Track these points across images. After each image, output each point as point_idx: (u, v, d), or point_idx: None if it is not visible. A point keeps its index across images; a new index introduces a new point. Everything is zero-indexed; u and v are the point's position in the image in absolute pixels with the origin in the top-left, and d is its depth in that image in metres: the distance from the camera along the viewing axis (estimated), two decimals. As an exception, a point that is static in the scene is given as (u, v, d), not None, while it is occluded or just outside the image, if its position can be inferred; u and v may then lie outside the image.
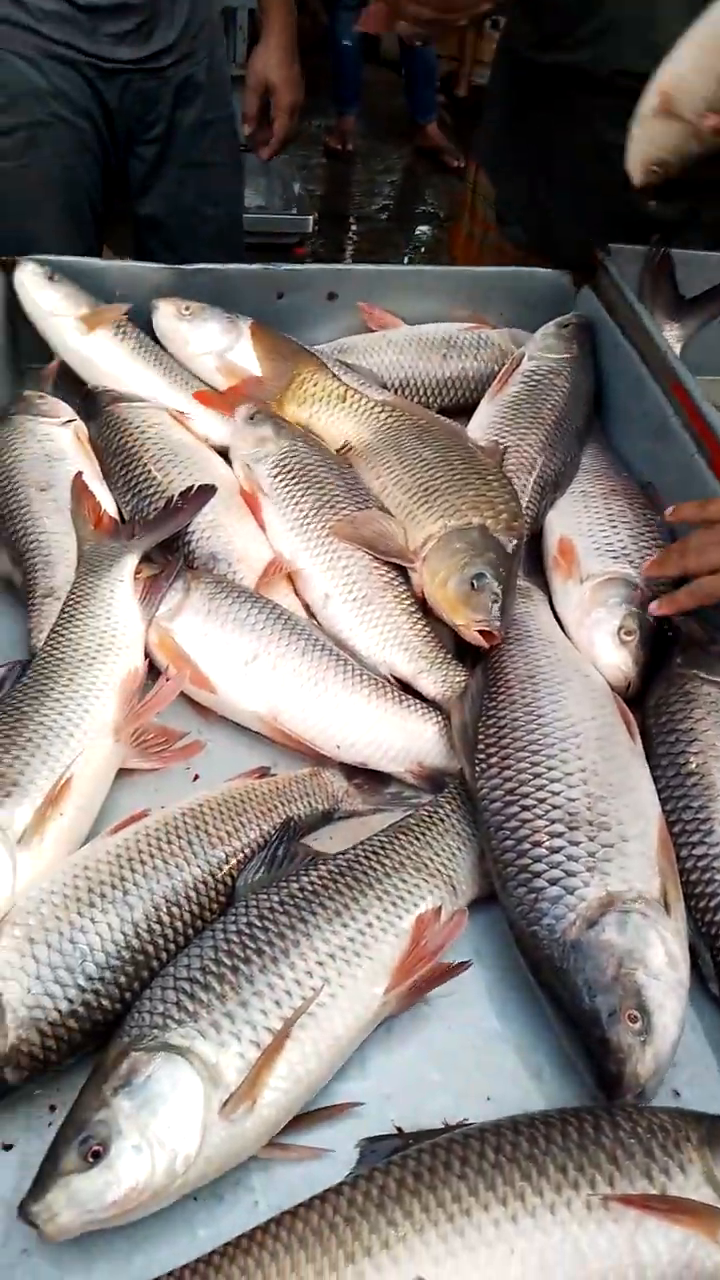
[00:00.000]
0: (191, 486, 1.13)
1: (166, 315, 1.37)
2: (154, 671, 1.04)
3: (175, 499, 1.12)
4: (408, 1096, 0.80)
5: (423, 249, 3.61)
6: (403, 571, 1.12)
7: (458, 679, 1.04)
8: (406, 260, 3.21)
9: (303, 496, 1.17)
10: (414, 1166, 0.69)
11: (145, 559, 1.10)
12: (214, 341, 1.35)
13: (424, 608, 1.10)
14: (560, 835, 0.86)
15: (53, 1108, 0.76)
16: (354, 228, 3.77)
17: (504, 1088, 0.81)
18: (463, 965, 0.84)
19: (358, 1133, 0.76)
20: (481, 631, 1.02)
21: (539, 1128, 0.71)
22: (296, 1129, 0.75)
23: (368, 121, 4.13)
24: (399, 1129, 0.78)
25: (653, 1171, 0.68)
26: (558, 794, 0.89)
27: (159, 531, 1.11)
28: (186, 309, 1.37)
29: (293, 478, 1.19)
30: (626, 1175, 0.68)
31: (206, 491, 1.13)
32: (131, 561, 1.08)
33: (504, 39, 1.69)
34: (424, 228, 3.80)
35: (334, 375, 1.31)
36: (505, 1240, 0.65)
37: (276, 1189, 0.74)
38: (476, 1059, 0.83)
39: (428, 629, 1.08)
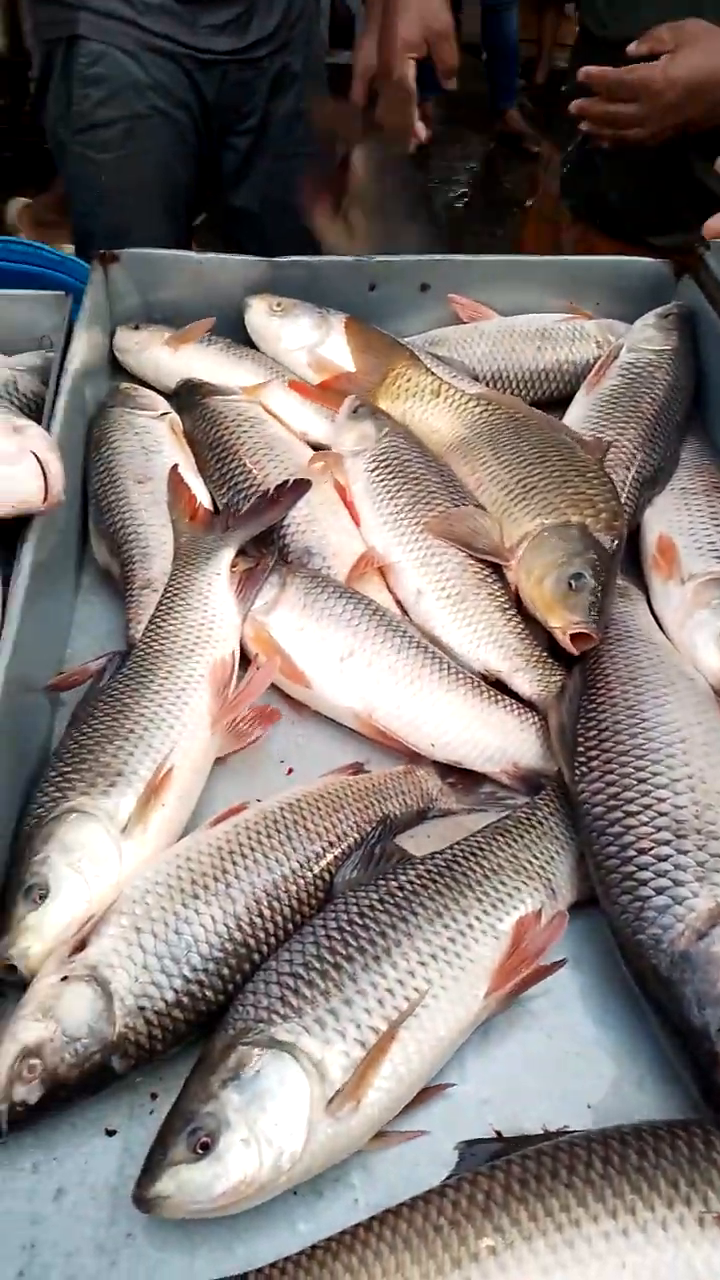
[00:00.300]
0: (287, 481, 1.13)
1: (258, 312, 1.38)
2: (246, 663, 1.05)
3: (271, 492, 1.12)
4: (506, 1100, 0.79)
5: (504, 237, 3.56)
6: (497, 570, 1.11)
7: (554, 679, 1.03)
8: (486, 250, 3.16)
9: (398, 491, 1.16)
10: (519, 1173, 0.68)
11: (241, 552, 1.10)
12: (305, 337, 1.35)
13: (519, 606, 1.08)
14: (667, 843, 0.84)
15: (154, 1095, 0.77)
16: (432, 217, 3.74)
17: (604, 1096, 0.80)
18: (558, 964, 0.83)
19: (454, 1129, 0.76)
20: (574, 636, 1.00)
21: (647, 1140, 0.70)
22: (393, 1117, 0.75)
23: (446, 108, 4.07)
24: (498, 1133, 0.77)
25: None
26: (664, 800, 0.86)
27: (254, 525, 1.11)
28: (278, 305, 1.37)
29: (389, 473, 1.18)
30: None
31: (302, 486, 1.13)
32: (228, 555, 1.08)
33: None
34: (505, 216, 3.74)
35: (428, 370, 1.29)
36: (616, 1254, 0.64)
37: (376, 1187, 0.74)
38: (575, 1066, 0.82)
39: (523, 627, 1.06)
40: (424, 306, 1.46)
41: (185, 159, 1.72)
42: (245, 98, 1.69)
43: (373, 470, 1.19)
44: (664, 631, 1.10)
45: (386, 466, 1.19)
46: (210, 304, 1.41)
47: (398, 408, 1.29)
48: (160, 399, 1.32)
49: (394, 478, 1.17)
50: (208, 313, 1.41)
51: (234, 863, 0.84)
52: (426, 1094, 0.77)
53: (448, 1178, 0.71)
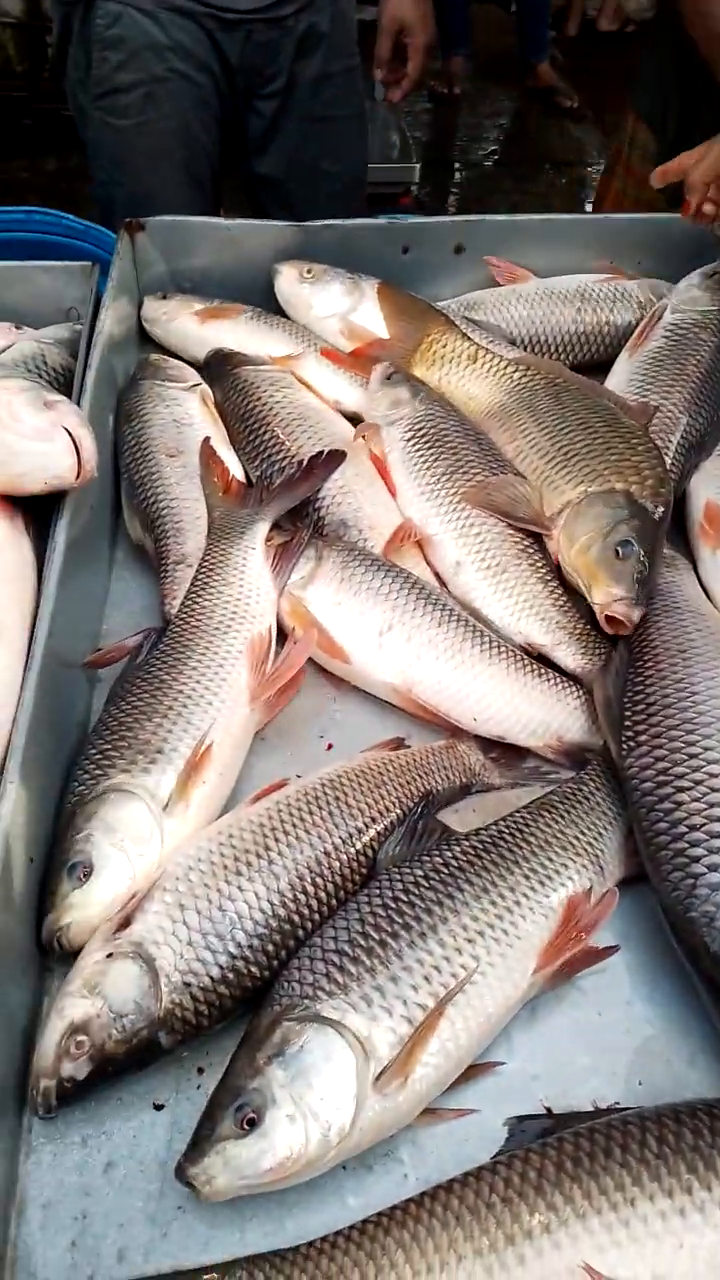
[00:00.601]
0: (321, 452, 1.11)
1: (288, 279, 1.35)
2: (283, 638, 1.04)
3: (304, 464, 1.10)
4: (555, 1076, 0.79)
5: (537, 195, 3.47)
6: (538, 540, 1.08)
7: (598, 652, 1.00)
8: (517, 209, 3.09)
9: (435, 461, 1.13)
10: (571, 1150, 0.67)
11: (275, 526, 1.09)
12: (337, 303, 1.33)
13: (561, 577, 1.06)
14: (719, 819, 0.82)
15: (200, 1070, 0.78)
16: (460, 174, 3.64)
17: (656, 1073, 0.79)
18: (611, 949, 0.82)
19: (501, 1103, 0.75)
20: (612, 618, 0.97)
21: (702, 1119, 0.68)
22: (441, 1094, 0.75)
23: (476, 62, 3.96)
24: (548, 1109, 0.76)
25: None
26: (715, 775, 0.84)
27: (289, 497, 1.09)
28: (308, 271, 1.34)
29: (426, 442, 1.15)
30: None
31: (336, 457, 1.11)
32: (263, 529, 1.07)
33: None
34: (538, 174, 3.64)
35: (464, 335, 1.26)
36: (674, 1234, 0.63)
37: (425, 1162, 0.74)
38: (625, 1043, 0.81)
39: (565, 599, 1.04)
40: (459, 269, 1.43)
41: (208, 124, 1.68)
42: (270, 59, 1.64)
43: (408, 440, 1.16)
44: (713, 602, 1.07)
45: (422, 435, 1.16)
46: (239, 271, 1.39)
47: (433, 374, 1.26)
48: (190, 370, 1.30)
49: (430, 447, 1.15)
50: (237, 280, 1.39)
51: (276, 839, 0.83)
52: (475, 1071, 0.77)
53: (498, 1154, 0.70)
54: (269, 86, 1.69)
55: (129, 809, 0.84)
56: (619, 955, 0.84)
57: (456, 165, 3.72)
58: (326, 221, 1.40)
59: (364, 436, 1.18)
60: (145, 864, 0.82)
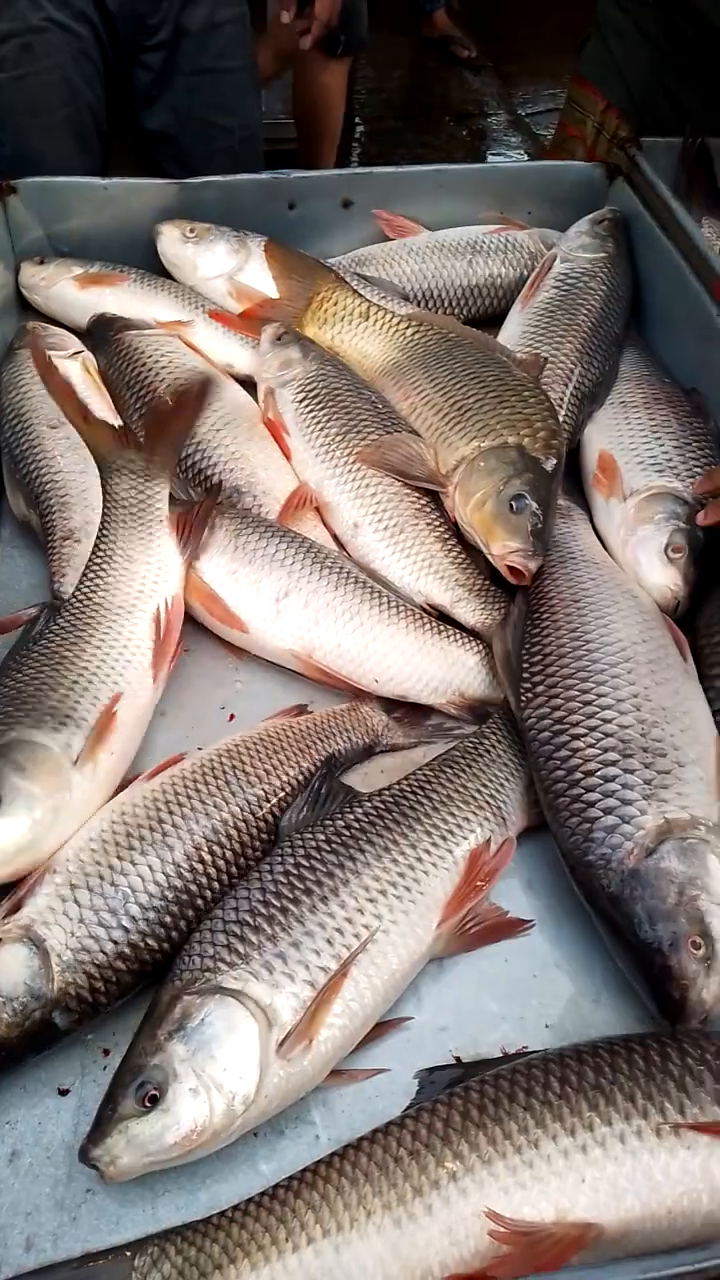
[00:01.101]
0: (186, 387, 1.06)
1: (171, 240, 1.30)
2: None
3: (171, 400, 1.06)
4: (465, 1027, 0.79)
5: (439, 149, 3.42)
6: (435, 498, 1.07)
7: (497, 607, 1.00)
8: (419, 162, 3.04)
9: (328, 422, 1.11)
10: (477, 1098, 0.68)
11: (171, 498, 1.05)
12: (223, 263, 1.28)
13: (458, 535, 1.05)
14: (614, 763, 0.83)
15: (106, 1051, 0.76)
16: (360, 129, 3.56)
17: (562, 1015, 0.80)
18: (526, 924, 0.83)
19: (413, 1060, 0.76)
20: (513, 568, 0.97)
21: (604, 1056, 0.70)
22: (351, 1053, 0.75)
23: (370, 9, 3.86)
24: (457, 1058, 0.77)
25: None
26: (609, 721, 0.85)
27: (173, 439, 1.06)
28: (191, 231, 1.30)
29: (318, 403, 1.13)
30: (696, 1102, 0.67)
31: (205, 387, 1.08)
32: (164, 494, 1.03)
33: None
34: (439, 126, 3.58)
35: (355, 292, 1.23)
36: (575, 1170, 0.64)
37: (337, 1122, 0.74)
38: (533, 987, 0.82)
39: (463, 556, 1.04)
40: (348, 224, 1.40)
41: (91, 77, 1.60)
42: (153, 7, 1.57)
43: (301, 401, 1.14)
44: (608, 550, 1.08)
45: (315, 396, 1.14)
46: (121, 233, 1.34)
47: (326, 333, 1.23)
48: (72, 337, 1.25)
49: (323, 408, 1.13)
50: (119, 241, 1.34)
51: (171, 812, 0.82)
52: (384, 1028, 0.77)
53: (408, 1108, 0.71)
54: (154, 37, 1.62)
55: (39, 750, 0.81)
56: (524, 902, 0.86)
57: (357, 120, 3.64)
58: (208, 178, 1.35)
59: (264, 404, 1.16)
60: (51, 805, 0.79)
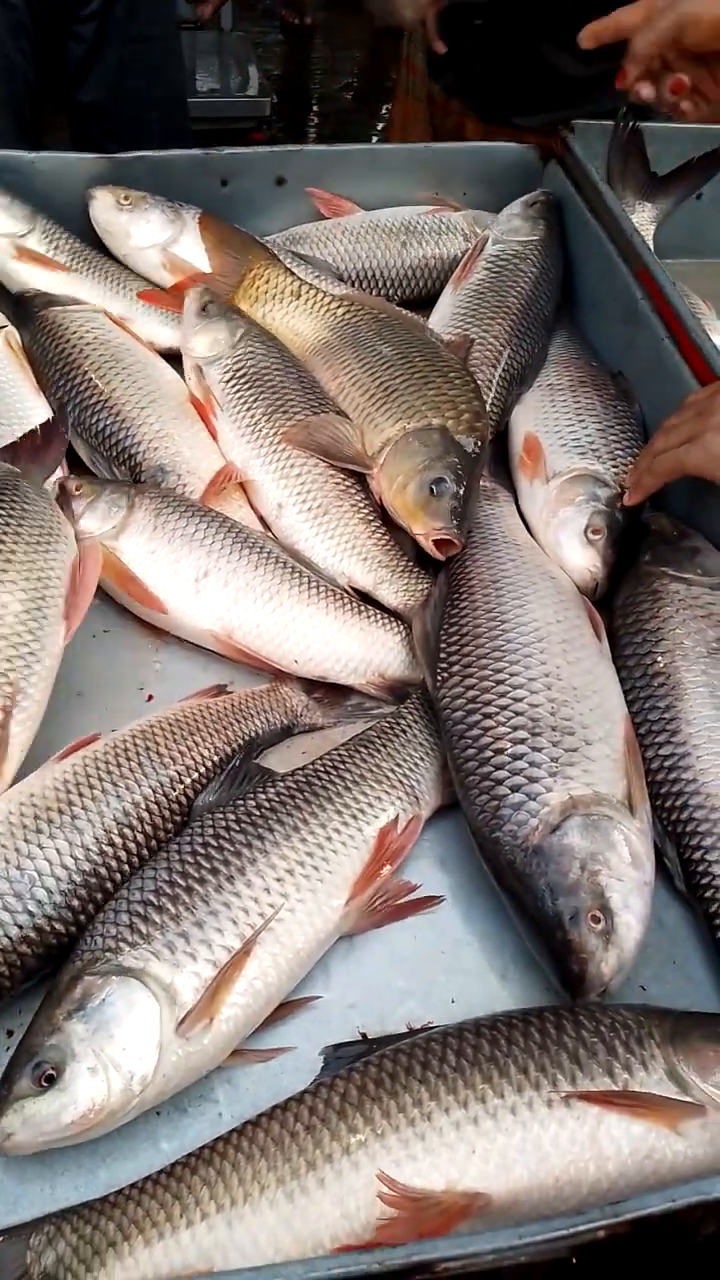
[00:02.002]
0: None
1: (104, 206, 1.28)
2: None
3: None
4: (372, 1003, 0.80)
5: (391, 129, 3.41)
6: (361, 479, 1.07)
7: (419, 588, 1.01)
8: (375, 142, 3.03)
9: (255, 401, 1.10)
10: (375, 1073, 0.69)
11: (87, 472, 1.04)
12: (157, 233, 1.26)
13: (383, 516, 1.05)
14: (523, 741, 0.84)
15: (10, 1033, 0.76)
16: (316, 109, 3.54)
17: (469, 990, 0.81)
18: (435, 899, 0.84)
19: (320, 1037, 0.76)
20: (438, 542, 0.97)
21: (501, 1029, 0.71)
22: (257, 1032, 0.76)
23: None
24: (363, 1035, 0.78)
25: (614, 1069, 0.68)
26: (520, 700, 0.86)
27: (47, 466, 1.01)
28: (125, 199, 1.27)
29: (246, 382, 1.12)
30: (588, 1074, 0.68)
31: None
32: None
33: None
34: (389, 106, 3.56)
35: (288, 270, 1.22)
36: (466, 1141, 0.65)
37: (240, 1100, 0.74)
38: (441, 963, 0.83)
39: (387, 537, 1.04)
40: (282, 202, 1.38)
41: (25, 52, 1.57)
42: None
43: (228, 380, 1.13)
44: (531, 532, 1.09)
45: (242, 376, 1.13)
46: (47, 209, 1.31)
47: (257, 310, 1.22)
48: (-2, 314, 1.23)
49: (250, 387, 1.12)
50: (46, 218, 1.31)
51: (81, 794, 0.81)
52: (291, 1006, 0.77)
53: (310, 1084, 0.71)
54: (85, 8, 1.59)
55: None
56: (435, 879, 0.86)
57: (314, 101, 3.61)
58: (139, 153, 1.33)
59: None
60: None
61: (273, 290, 1.22)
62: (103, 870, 0.78)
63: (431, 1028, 0.76)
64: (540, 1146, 0.66)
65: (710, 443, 0.92)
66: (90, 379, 1.13)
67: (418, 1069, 0.69)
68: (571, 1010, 0.73)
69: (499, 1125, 0.66)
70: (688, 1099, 0.67)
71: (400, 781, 0.87)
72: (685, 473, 0.96)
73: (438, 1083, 0.68)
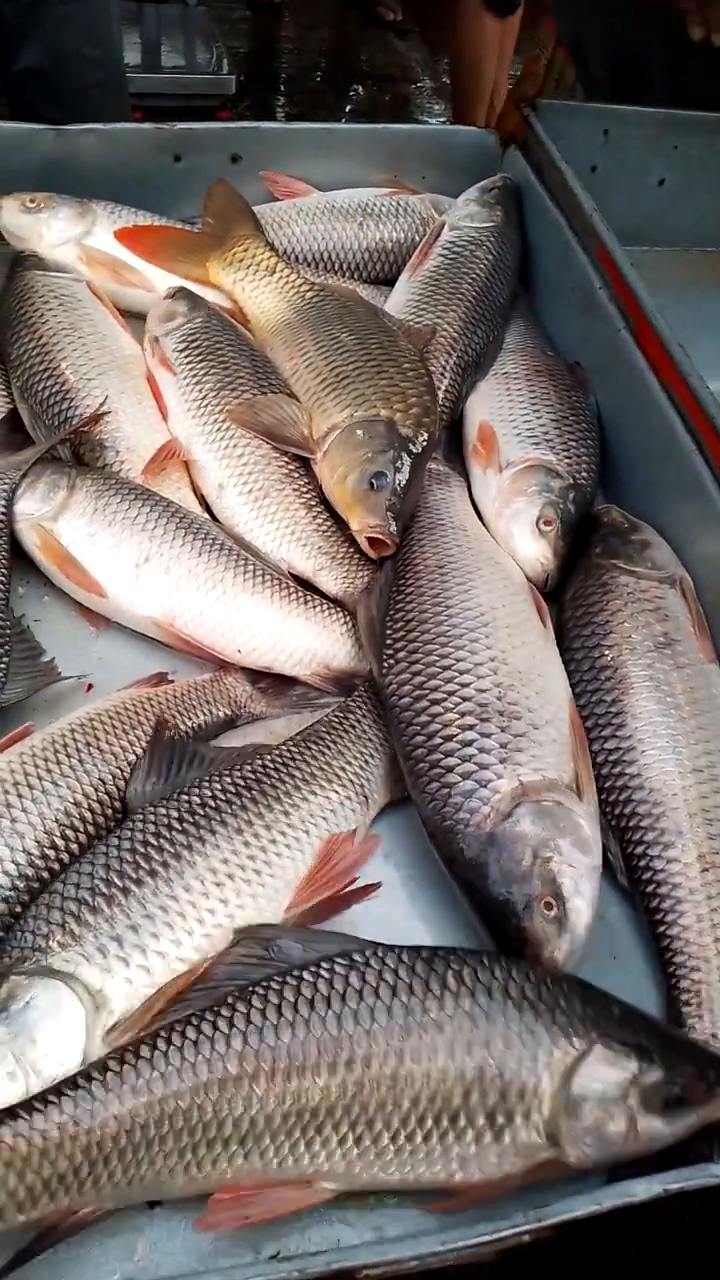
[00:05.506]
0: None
1: (10, 212, 1.22)
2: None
3: None
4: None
5: (358, 111, 3.37)
6: (306, 464, 1.04)
7: (361, 576, 0.98)
8: (343, 124, 2.99)
9: (205, 375, 1.08)
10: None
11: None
12: (69, 229, 1.22)
13: (326, 502, 1.03)
14: (471, 728, 0.83)
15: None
16: (284, 89, 3.48)
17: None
18: (372, 887, 0.81)
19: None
20: (371, 541, 0.95)
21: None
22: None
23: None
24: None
25: (496, 1118, 0.64)
26: (467, 685, 0.85)
27: None
28: (31, 201, 1.23)
29: (198, 355, 1.09)
30: (469, 1120, 0.64)
31: None
32: None
33: None
34: (358, 88, 3.52)
35: (271, 247, 1.21)
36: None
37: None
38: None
39: (329, 524, 1.01)
40: (237, 180, 1.34)
41: None
42: None
43: (181, 351, 1.10)
44: (482, 519, 1.07)
45: (195, 348, 1.10)
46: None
47: (229, 276, 1.20)
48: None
49: (202, 360, 1.09)
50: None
51: (20, 795, 0.78)
52: None
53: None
54: None
55: None
56: (384, 872, 0.84)
57: (281, 81, 3.55)
58: (88, 126, 1.29)
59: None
60: None
61: (249, 261, 1.20)
62: (46, 875, 0.76)
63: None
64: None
65: None
66: (43, 344, 1.09)
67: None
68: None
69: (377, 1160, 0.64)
70: (547, 1154, 0.64)
71: (350, 780, 0.85)
72: None
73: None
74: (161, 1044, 0.63)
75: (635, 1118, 0.64)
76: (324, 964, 0.68)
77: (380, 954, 0.69)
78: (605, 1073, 0.65)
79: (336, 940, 0.71)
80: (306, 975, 0.67)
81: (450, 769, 0.82)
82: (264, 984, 0.67)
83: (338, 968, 0.67)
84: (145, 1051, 0.63)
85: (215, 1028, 0.64)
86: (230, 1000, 0.66)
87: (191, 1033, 0.64)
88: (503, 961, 0.70)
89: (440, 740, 0.83)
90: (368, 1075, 0.63)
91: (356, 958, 0.68)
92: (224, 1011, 0.65)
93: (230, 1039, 0.63)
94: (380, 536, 0.94)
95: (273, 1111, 0.62)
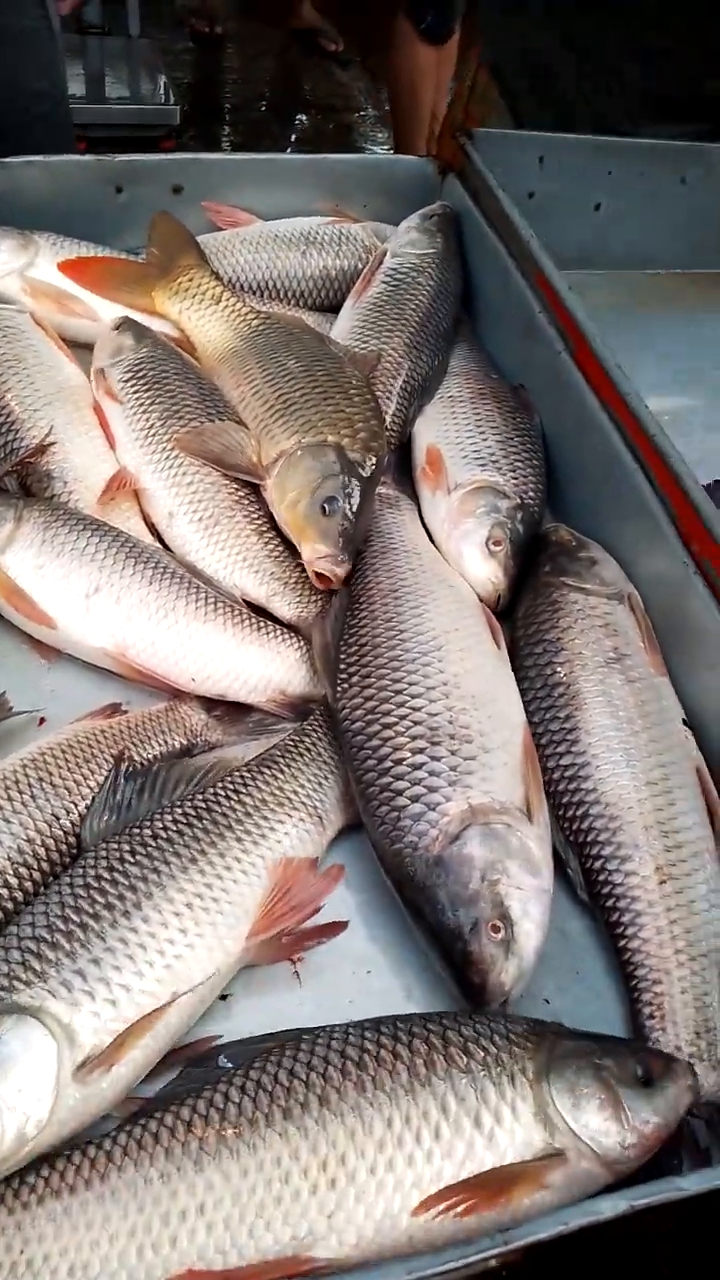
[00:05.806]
0: None
1: None
2: None
3: None
4: (275, 1026, 0.77)
5: (303, 141, 3.41)
6: (256, 490, 1.05)
7: (313, 601, 0.99)
8: (289, 154, 3.02)
9: (152, 405, 1.08)
10: (234, 1114, 0.66)
11: None
12: (12, 261, 1.23)
13: (276, 528, 1.03)
14: (422, 751, 0.83)
15: None
16: (229, 119, 3.51)
17: (373, 1009, 0.79)
18: (339, 925, 0.81)
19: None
20: (319, 574, 0.95)
21: (368, 1068, 0.68)
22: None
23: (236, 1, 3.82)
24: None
25: (482, 1117, 0.66)
26: (419, 709, 0.86)
27: None
28: None
29: (145, 384, 1.10)
30: (455, 1126, 0.65)
31: None
32: None
33: None
34: (302, 117, 3.57)
35: (215, 276, 1.21)
36: (321, 1205, 0.64)
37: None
38: (345, 986, 0.81)
39: (281, 549, 1.02)
40: (179, 211, 1.35)
41: None
42: None
43: (127, 381, 1.11)
44: (433, 541, 1.08)
45: (142, 379, 1.11)
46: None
47: (174, 305, 1.20)
48: None
49: (149, 390, 1.09)
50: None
51: (-29, 833, 0.77)
52: (188, 1051, 0.74)
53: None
54: None
55: None
56: (338, 898, 0.84)
57: (226, 111, 3.58)
58: (30, 158, 1.29)
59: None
60: None
61: (195, 290, 1.21)
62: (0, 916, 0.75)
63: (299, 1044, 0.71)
64: (392, 1215, 0.63)
65: None
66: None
67: (278, 1118, 0.66)
68: (444, 1040, 0.69)
69: (356, 1188, 0.64)
70: (552, 1148, 0.65)
71: (304, 803, 0.85)
72: None
73: (298, 1138, 0.65)
74: None
75: (619, 1096, 0.66)
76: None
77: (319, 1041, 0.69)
78: (574, 1063, 0.68)
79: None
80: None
81: (400, 792, 0.82)
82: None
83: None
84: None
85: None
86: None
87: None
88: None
89: (391, 764, 0.84)
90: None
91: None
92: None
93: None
94: (326, 572, 0.94)
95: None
